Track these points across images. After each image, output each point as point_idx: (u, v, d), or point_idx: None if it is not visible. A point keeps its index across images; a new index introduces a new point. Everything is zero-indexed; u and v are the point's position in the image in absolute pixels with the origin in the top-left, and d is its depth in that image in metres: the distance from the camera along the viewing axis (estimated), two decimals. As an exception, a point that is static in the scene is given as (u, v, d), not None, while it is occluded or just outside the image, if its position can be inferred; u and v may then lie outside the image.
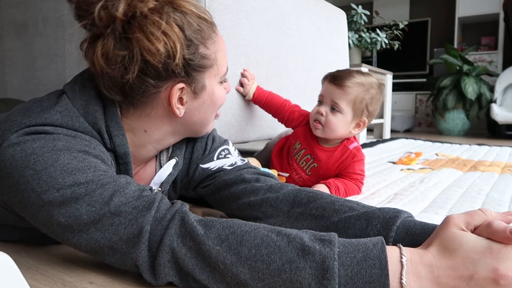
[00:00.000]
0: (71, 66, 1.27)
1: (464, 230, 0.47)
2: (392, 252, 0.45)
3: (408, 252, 0.46)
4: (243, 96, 1.27)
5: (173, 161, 0.73)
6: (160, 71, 0.59)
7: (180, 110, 0.65)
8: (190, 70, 0.62)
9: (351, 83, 1.07)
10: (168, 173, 0.72)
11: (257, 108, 1.38)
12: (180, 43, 0.59)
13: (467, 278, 0.42)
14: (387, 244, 0.54)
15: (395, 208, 0.58)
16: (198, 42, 0.61)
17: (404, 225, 0.55)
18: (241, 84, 1.24)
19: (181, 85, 0.62)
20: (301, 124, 1.21)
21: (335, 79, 1.09)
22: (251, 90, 1.24)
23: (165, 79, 0.61)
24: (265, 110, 1.28)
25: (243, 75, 1.24)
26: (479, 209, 0.49)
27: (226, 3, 1.19)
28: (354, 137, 1.17)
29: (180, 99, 0.64)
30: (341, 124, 1.10)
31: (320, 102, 1.13)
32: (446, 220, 0.48)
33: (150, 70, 0.59)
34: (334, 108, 1.09)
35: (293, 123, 1.23)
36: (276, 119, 1.29)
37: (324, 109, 1.10)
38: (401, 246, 0.46)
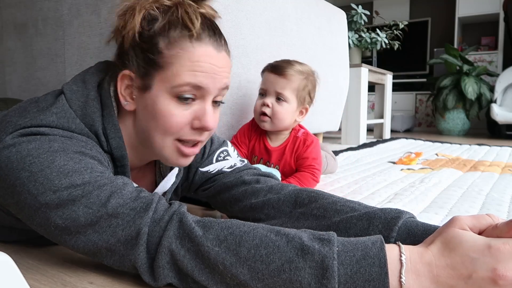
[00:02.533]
0: (71, 66, 1.27)
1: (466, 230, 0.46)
2: (391, 250, 0.45)
3: (407, 250, 0.45)
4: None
5: (176, 170, 0.72)
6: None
7: (126, 101, 0.61)
8: (142, 60, 0.59)
9: (293, 71, 1.10)
10: (171, 183, 0.72)
11: (257, 108, 1.38)
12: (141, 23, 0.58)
13: (466, 277, 0.42)
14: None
15: (397, 209, 0.58)
16: (164, 38, 0.58)
17: (406, 225, 0.55)
18: None
19: (127, 71, 0.60)
20: (249, 139, 1.23)
21: (277, 69, 1.12)
22: None
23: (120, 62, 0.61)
24: None
25: None
26: (486, 214, 0.48)
27: (226, 3, 1.19)
28: (300, 125, 1.21)
29: (128, 89, 0.61)
30: (288, 113, 1.12)
31: (263, 94, 1.15)
32: (451, 220, 0.48)
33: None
34: (279, 98, 1.11)
35: (246, 144, 1.24)
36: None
37: (269, 101, 1.11)
38: (401, 244, 0.46)
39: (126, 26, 0.58)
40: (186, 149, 0.62)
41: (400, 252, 0.45)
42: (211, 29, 0.60)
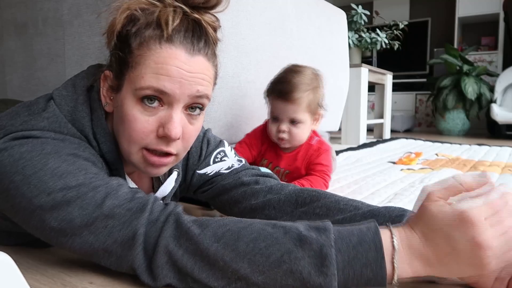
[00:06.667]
0: (71, 66, 1.27)
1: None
2: (383, 234, 0.47)
3: (397, 233, 0.47)
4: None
5: (175, 175, 0.71)
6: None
7: (106, 102, 0.60)
8: (117, 59, 0.58)
9: (300, 93, 1.08)
10: (171, 188, 0.71)
11: (256, 109, 1.38)
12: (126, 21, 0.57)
13: (452, 251, 0.44)
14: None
15: (400, 207, 0.59)
16: (137, 38, 0.56)
17: None
18: None
19: (107, 72, 0.60)
20: (262, 142, 1.22)
21: (283, 94, 1.09)
22: None
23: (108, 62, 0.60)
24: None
25: None
26: (452, 177, 0.48)
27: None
28: (314, 131, 1.19)
29: (109, 90, 0.60)
30: (305, 131, 1.13)
31: (275, 118, 1.13)
32: (426, 197, 0.48)
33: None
34: (293, 121, 1.10)
35: (256, 148, 1.23)
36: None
37: (284, 126, 1.11)
38: (391, 227, 0.48)
39: (111, 26, 0.58)
40: (153, 158, 0.58)
41: (392, 235, 0.46)
42: (190, 31, 0.56)
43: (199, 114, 0.60)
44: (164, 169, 0.61)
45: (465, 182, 0.47)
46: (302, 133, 1.12)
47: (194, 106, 0.58)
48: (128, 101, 0.56)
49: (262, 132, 1.22)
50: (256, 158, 1.24)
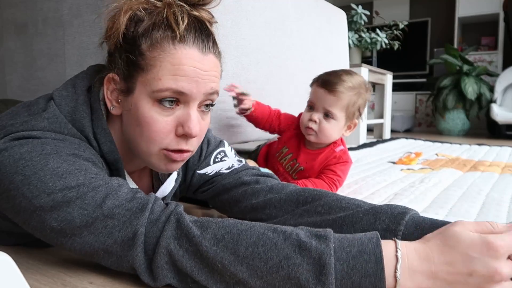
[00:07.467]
0: (71, 66, 1.27)
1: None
2: (387, 246, 0.46)
3: (404, 246, 0.46)
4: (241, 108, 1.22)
5: (174, 175, 0.71)
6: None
7: (112, 105, 0.60)
8: (125, 62, 0.57)
9: (343, 88, 1.06)
10: (171, 188, 0.71)
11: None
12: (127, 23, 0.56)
13: (466, 274, 0.43)
14: (396, 237, 0.54)
15: (403, 205, 0.58)
16: (147, 40, 0.56)
17: (413, 220, 0.55)
18: (239, 100, 1.19)
19: (112, 74, 0.59)
20: (289, 128, 1.20)
21: (327, 84, 1.07)
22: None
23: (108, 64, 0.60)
24: (257, 122, 1.25)
25: (239, 92, 1.18)
26: (487, 222, 0.49)
27: (226, 3, 1.19)
28: (341, 139, 1.17)
29: (114, 93, 0.60)
30: (335, 130, 1.10)
31: (311, 107, 1.11)
32: (454, 223, 0.48)
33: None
34: (327, 115, 1.08)
35: (281, 128, 1.23)
36: (263, 129, 1.25)
37: (317, 116, 1.08)
38: (397, 240, 0.47)
39: (113, 27, 0.57)
40: (175, 155, 0.59)
41: (396, 248, 0.45)
42: (198, 30, 0.57)
43: (209, 110, 0.62)
44: (181, 164, 0.63)
45: (497, 227, 0.48)
46: (331, 131, 1.09)
47: (207, 102, 0.60)
48: (144, 103, 0.56)
49: (293, 120, 1.20)
50: (274, 132, 1.23)
